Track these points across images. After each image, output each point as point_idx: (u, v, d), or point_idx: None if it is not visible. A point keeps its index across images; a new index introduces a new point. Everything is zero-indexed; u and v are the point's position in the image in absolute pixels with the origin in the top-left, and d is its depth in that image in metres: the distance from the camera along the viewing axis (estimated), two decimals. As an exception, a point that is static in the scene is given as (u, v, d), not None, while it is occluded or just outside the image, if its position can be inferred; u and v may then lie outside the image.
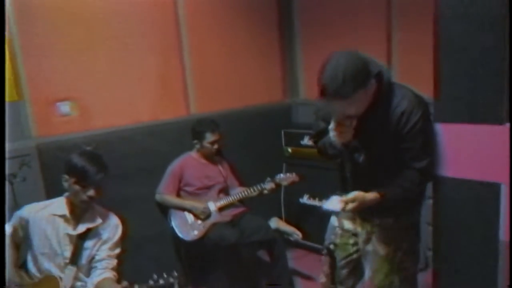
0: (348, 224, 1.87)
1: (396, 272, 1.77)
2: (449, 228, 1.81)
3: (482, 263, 1.74)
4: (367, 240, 1.81)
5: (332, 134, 1.58)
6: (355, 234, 1.86)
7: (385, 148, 1.62)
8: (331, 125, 1.58)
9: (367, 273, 1.84)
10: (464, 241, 1.77)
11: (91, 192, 1.90)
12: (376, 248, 1.78)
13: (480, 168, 1.62)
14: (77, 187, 1.90)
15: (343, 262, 1.89)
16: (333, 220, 1.94)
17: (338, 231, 1.86)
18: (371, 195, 1.58)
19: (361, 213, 1.79)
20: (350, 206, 1.55)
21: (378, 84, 1.56)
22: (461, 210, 1.71)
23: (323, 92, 1.47)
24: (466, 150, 1.63)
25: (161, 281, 1.78)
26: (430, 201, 1.99)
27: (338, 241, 1.80)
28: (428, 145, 1.61)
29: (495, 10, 1.49)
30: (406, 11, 2.92)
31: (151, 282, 1.80)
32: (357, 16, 3.20)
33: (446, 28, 1.62)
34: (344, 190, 1.77)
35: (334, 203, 1.59)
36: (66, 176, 1.92)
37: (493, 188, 1.60)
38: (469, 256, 1.78)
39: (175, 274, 1.80)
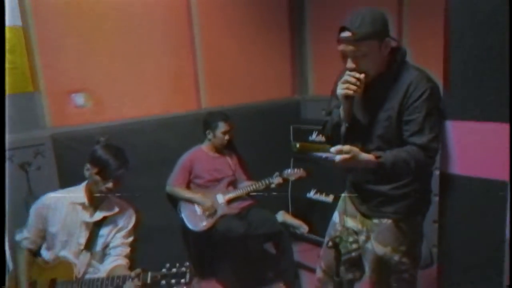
0: (350, 222, 1.86)
1: (392, 273, 1.76)
2: (455, 225, 1.83)
3: (488, 261, 1.76)
4: (367, 238, 1.81)
5: (340, 86, 1.56)
6: (356, 232, 1.85)
7: (390, 123, 1.60)
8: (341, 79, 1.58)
9: (367, 271, 1.85)
10: (470, 238, 1.78)
11: (109, 185, 1.95)
12: (374, 247, 1.77)
13: (488, 166, 1.63)
14: (97, 177, 1.95)
15: (342, 259, 1.90)
16: (335, 217, 1.95)
17: (338, 227, 1.87)
18: (367, 155, 1.52)
19: (362, 208, 1.80)
20: (343, 156, 1.47)
21: (392, 56, 1.59)
22: (467, 208, 1.72)
23: (339, 37, 1.54)
24: (474, 147, 1.64)
25: (174, 270, 1.82)
26: (436, 199, 2.01)
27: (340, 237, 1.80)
28: (430, 121, 1.55)
29: (503, 8, 1.50)
30: (417, 11, 2.92)
31: (164, 270, 1.83)
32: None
33: (455, 28, 1.64)
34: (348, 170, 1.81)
35: (332, 150, 1.52)
36: (89, 165, 1.97)
37: (500, 186, 1.61)
38: (474, 254, 1.79)
39: (187, 263, 1.83)
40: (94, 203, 2.02)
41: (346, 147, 1.47)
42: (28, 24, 2.39)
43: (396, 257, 1.74)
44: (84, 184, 2.05)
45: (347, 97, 1.55)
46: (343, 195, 1.94)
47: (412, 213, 1.74)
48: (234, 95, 3.36)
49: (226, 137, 2.93)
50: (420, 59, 1.79)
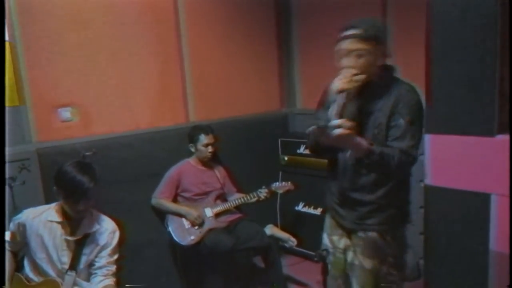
0: (337, 241, 1.88)
1: (382, 286, 1.78)
2: (440, 237, 1.84)
3: (472, 273, 1.77)
4: (354, 254, 1.82)
5: (335, 83, 1.58)
6: (345, 250, 1.87)
7: (380, 129, 1.66)
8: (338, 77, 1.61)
9: (354, 287, 1.84)
10: (454, 250, 1.80)
11: (80, 207, 1.88)
12: (361, 262, 1.79)
13: (470, 179, 1.66)
14: (66, 202, 1.88)
15: (337, 274, 1.90)
16: (324, 239, 1.95)
17: (330, 250, 1.87)
18: (363, 139, 1.57)
19: (346, 223, 1.81)
20: (343, 130, 1.46)
21: (384, 70, 1.69)
22: (450, 220, 1.74)
23: (344, 35, 1.61)
24: (456, 160, 1.67)
25: None
26: (422, 211, 2.03)
27: (331, 257, 1.82)
28: (412, 129, 1.64)
29: (487, 22, 1.55)
30: (404, 27, 2.99)
31: None
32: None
33: (437, 42, 1.68)
34: (332, 176, 1.83)
35: (335, 122, 1.49)
36: (55, 189, 1.89)
37: (482, 198, 1.64)
38: (459, 266, 1.81)
39: None
40: (73, 221, 1.95)
41: (349, 122, 1.48)
42: (15, 38, 2.38)
43: (384, 269, 1.76)
44: (56, 204, 1.98)
45: (341, 91, 1.55)
46: (327, 213, 1.96)
47: (395, 224, 1.79)
48: (222, 109, 3.38)
49: (209, 149, 2.93)
50: (403, 73, 1.84)
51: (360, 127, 1.61)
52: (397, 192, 1.76)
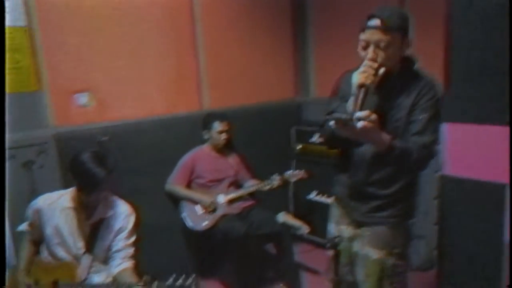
0: (345, 230, 1.86)
1: (388, 277, 1.75)
2: (455, 227, 1.83)
3: (486, 263, 1.77)
4: (360, 244, 1.80)
5: (356, 76, 1.54)
6: (351, 239, 1.85)
7: (400, 123, 1.62)
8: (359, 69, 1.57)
9: (359, 278, 1.83)
10: (469, 240, 1.79)
11: (94, 197, 1.90)
12: (367, 252, 1.76)
13: (487, 168, 1.64)
14: (81, 192, 1.90)
15: (344, 262, 1.88)
16: (332, 228, 1.94)
17: (338, 239, 1.86)
18: (384, 134, 1.52)
19: (355, 215, 1.79)
20: (367, 122, 1.42)
21: (405, 62, 1.64)
22: (465, 210, 1.73)
23: (366, 25, 1.56)
24: (473, 150, 1.65)
25: (180, 281, 1.78)
26: (436, 201, 2.01)
27: (340, 245, 1.81)
28: (433, 124, 1.60)
29: (504, 11, 1.51)
30: (420, 12, 2.93)
31: (170, 281, 1.79)
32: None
33: (456, 31, 1.65)
34: (343, 169, 1.80)
35: (360, 114, 1.44)
36: (71, 176, 1.90)
37: (498, 189, 1.62)
38: (473, 256, 1.80)
39: (193, 275, 1.80)
40: (88, 206, 1.96)
41: (374, 115, 1.44)
42: (32, 24, 2.41)
43: (391, 260, 1.74)
44: (71, 190, 1.99)
45: (362, 86, 1.51)
46: (335, 203, 1.93)
47: (406, 217, 1.76)
48: (235, 96, 3.38)
49: (223, 136, 2.94)
50: (420, 62, 1.80)
51: (379, 121, 1.55)
52: (411, 186, 1.74)
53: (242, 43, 3.39)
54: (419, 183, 1.78)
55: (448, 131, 1.68)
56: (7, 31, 2.27)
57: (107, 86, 2.74)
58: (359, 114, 1.43)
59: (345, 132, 1.47)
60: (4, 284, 1.73)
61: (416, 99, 1.60)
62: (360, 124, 1.41)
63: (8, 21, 2.28)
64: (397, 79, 1.63)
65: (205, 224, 2.81)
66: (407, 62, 1.67)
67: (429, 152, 1.60)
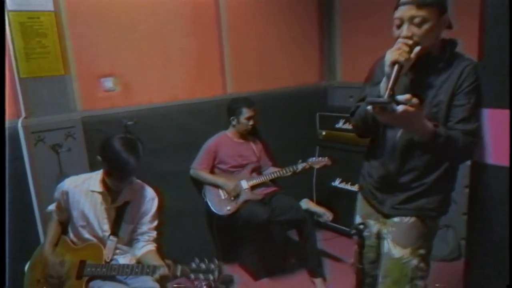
0: (373, 226, 1.76)
1: (406, 281, 1.63)
2: (485, 217, 1.77)
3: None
4: (385, 241, 1.69)
5: (389, 54, 1.43)
6: (378, 235, 1.75)
7: (440, 107, 1.50)
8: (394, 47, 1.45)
9: (380, 277, 1.72)
10: (499, 231, 1.73)
11: (123, 183, 1.95)
12: (390, 250, 1.65)
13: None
14: (109, 178, 1.94)
15: (373, 259, 1.79)
16: (357, 221, 1.83)
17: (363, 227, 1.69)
18: (428, 121, 1.40)
19: (383, 207, 1.68)
20: (408, 106, 1.31)
21: (445, 44, 1.52)
22: (498, 199, 1.66)
23: (400, 1, 1.44)
24: (507, 136, 1.58)
25: (203, 266, 1.82)
26: (466, 190, 1.95)
27: (367, 241, 1.69)
28: (477, 110, 1.49)
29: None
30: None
31: (193, 265, 1.84)
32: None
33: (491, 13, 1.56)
34: (372, 157, 1.70)
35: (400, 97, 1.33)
36: (100, 159, 1.93)
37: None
38: (503, 247, 1.74)
39: (216, 261, 1.83)
40: (114, 190, 2.00)
41: (415, 99, 1.33)
42: (60, 9, 2.44)
43: (415, 261, 1.62)
44: (100, 173, 2.03)
45: (395, 63, 1.39)
46: (361, 194, 1.83)
47: (440, 210, 1.63)
48: (259, 81, 3.35)
49: (250, 123, 2.93)
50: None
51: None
52: (450, 176, 1.60)
53: (266, 28, 3.35)
54: (457, 173, 1.65)
55: (489, 117, 1.60)
56: (34, 15, 2.31)
57: (132, 70, 2.76)
58: (399, 97, 1.31)
59: (383, 118, 1.37)
60: (4, 284, 1.74)
61: (458, 82, 1.48)
62: (400, 108, 1.30)
63: (36, 6, 2.31)
64: (436, 60, 1.51)
65: (228, 209, 2.83)
66: (448, 43, 1.53)
67: (475, 140, 1.49)
